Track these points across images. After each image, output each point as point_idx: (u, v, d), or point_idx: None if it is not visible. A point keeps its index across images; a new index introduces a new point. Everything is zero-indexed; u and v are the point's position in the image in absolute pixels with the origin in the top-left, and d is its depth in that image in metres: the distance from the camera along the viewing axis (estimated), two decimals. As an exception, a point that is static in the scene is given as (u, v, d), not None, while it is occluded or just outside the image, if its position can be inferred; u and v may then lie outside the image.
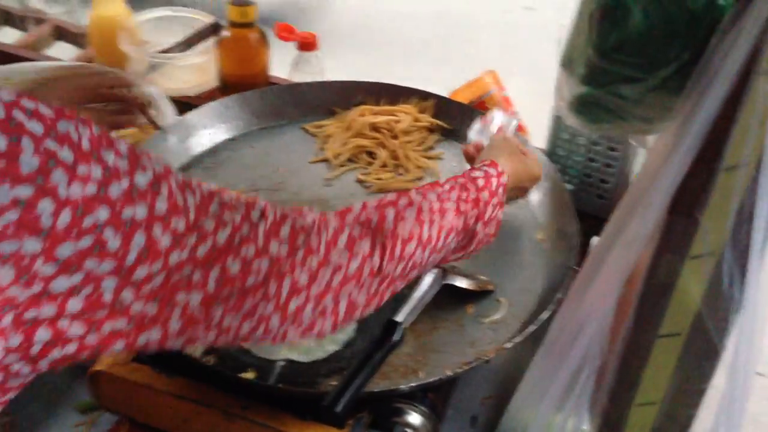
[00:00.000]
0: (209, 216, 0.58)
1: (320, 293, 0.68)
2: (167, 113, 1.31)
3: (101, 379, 0.94)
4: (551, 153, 1.31)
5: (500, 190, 0.95)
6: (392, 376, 0.96)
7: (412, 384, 0.92)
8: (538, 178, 1.10)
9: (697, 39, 0.45)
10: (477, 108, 1.35)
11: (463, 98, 1.37)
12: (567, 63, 0.50)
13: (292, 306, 0.66)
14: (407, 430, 0.92)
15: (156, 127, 1.27)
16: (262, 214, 0.64)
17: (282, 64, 1.53)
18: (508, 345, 0.95)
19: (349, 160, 1.31)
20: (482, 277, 1.09)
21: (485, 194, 0.91)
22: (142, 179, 0.52)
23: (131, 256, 0.51)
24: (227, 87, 1.47)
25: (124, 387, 0.93)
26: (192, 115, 1.29)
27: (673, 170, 0.41)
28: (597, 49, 0.45)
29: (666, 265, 0.46)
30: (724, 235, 0.44)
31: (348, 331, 1.00)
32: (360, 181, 1.27)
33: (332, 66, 1.54)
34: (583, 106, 0.50)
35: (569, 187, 1.31)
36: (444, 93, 1.40)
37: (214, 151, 1.30)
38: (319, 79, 1.47)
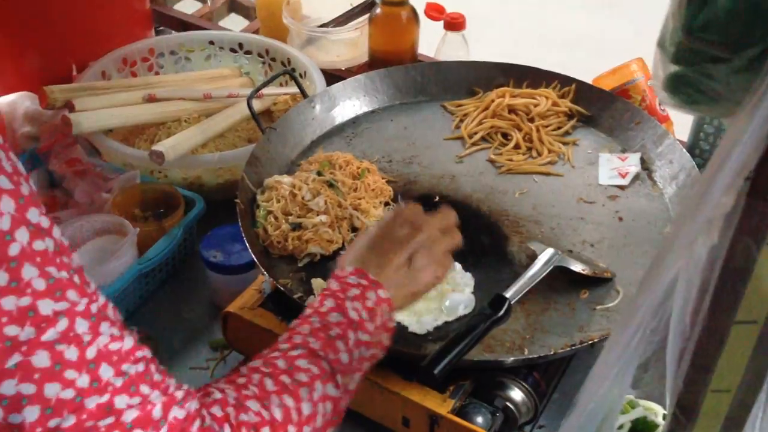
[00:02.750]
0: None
1: None
2: (318, 83, 1.40)
3: (230, 319, 1.03)
4: (693, 146, 1.26)
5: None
6: (497, 349, 0.98)
7: (515, 358, 0.94)
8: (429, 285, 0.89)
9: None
10: (620, 95, 1.33)
11: (606, 85, 1.35)
12: (661, 42, 0.50)
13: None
14: (507, 403, 0.94)
15: (305, 95, 1.36)
16: None
17: (429, 42, 1.57)
18: (616, 332, 0.95)
19: (483, 139, 1.33)
20: (601, 265, 1.08)
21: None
22: (46, 307, 0.53)
23: None
24: (376, 62, 1.54)
25: (248, 328, 1.02)
26: (338, 87, 1.36)
27: (753, 151, 0.41)
28: (684, 28, 0.45)
29: (743, 249, 0.45)
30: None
31: (463, 307, 1.03)
32: (491, 161, 1.29)
33: (477, 47, 1.56)
34: (675, 85, 0.49)
35: (711, 183, 1.25)
36: (587, 79, 1.38)
37: (355, 122, 1.36)
38: (463, 59, 1.50)
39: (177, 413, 0.59)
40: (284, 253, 1.11)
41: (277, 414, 0.67)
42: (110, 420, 0.55)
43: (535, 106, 1.33)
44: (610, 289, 1.06)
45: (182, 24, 1.74)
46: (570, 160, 1.28)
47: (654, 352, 0.57)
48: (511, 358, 0.95)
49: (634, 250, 1.12)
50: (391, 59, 1.50)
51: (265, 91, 1.37)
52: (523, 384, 0.95)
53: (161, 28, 1.79)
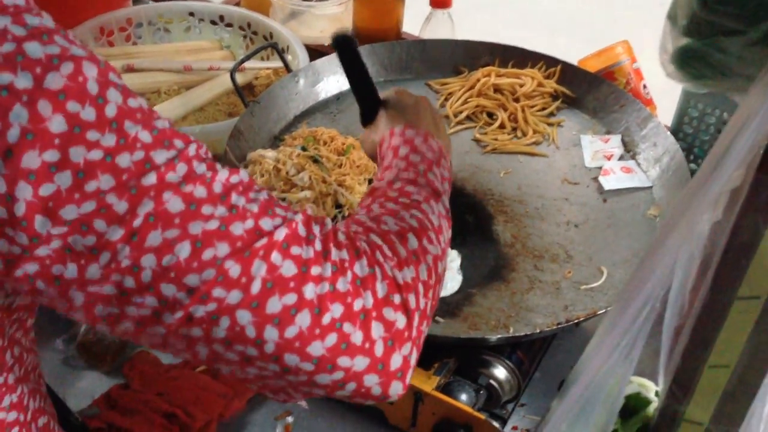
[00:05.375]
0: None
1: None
2: (301, 58, 1.38)
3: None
4: (677, 130, 1.27)
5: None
6: (482, 327, 0.98)
7: (500, 336, 0.94)
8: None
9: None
10: (605, 77, 1.33)
11: (592, 67, 1.35)
12: (672, 15, 0.49)
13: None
14: (491, 381, 0.94)
15: (288, 69, 1.33)
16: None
17: (414, 20, 1.55)
18: (600, 312, 0.95)
19: (468, 118, 1.32)
20: None
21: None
22: (160, 156, 0.52)
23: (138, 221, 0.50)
24: (360, 38, 1.52)
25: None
26: (322, 62, 1.34)
27: (763, 127, 0.41)
28: (699, -1, 0.44)
29: (750, 224, 0.45)
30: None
31: (450, 285, 1.03)
32: (476, 140, 1.29)
33: (463, 27, 1.55)
34: (684, 59, 0.49)
35: (693, 166, 1.26)
36: (573, 61, 1.38)
37: (338, 98, 1.35)
38: (448, 37, 1.49)
39: (316, 229, 0.58)
40: (268, 228, 1.09)
41: (414, 222, 0.66)
42: (263, 241, 0.54)
43: (521, 86, 1.33)
44: (593, 268, 1.06)
45: (161, -6, 1.70)
46: (555, 141, 1.28)
47: (628, 323, 0.57)
48: (496, 336, 0.95)
49: (617, 231, 1.12)
50: (376, 36, 1.48)
51: (247, 64, 1.34)
52: (507, 362, 0.95)
53: (140, -3, 1.74)
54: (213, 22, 1.56)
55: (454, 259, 1.05)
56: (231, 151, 1.14)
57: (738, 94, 0.51)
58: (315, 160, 1.13)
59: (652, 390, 0.76)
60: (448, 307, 1.00)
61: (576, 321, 0.95)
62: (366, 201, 0.73)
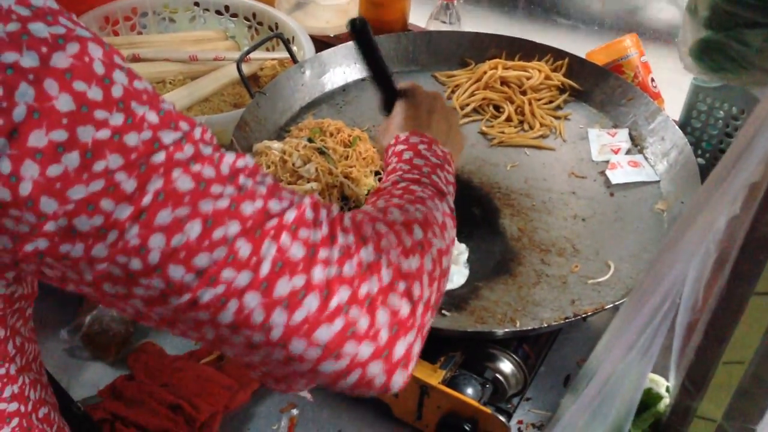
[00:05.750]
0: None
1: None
2: (306, 49, 1.37)
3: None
4: (685, 124, 1.26)
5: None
6: (489, 321, 0.98)
7: (507, 330, 0.94)
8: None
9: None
10: (613, 71, 1.32)
11: (599, 60, 1.34)
12: (692, 7, 0.49)
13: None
14: (497, 375, 0.94)
15: (294, 60, 1.33)
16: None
17: (420, 11, 1.54)
18: (608, 307, 0.95)
19: (475, 111, 1.31)
20: None
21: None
22: (168, 136, 0.51)
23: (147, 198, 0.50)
24: (365, 30, 1.51)
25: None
26: (328, 53, 1.33)
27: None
28: (722, -11, 0.44)
29: (769, 219, 0.45)
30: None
31: (457, 278, 1.02)
32: (483, 133, 1.28)
33: (470, 18, 1.54)
34: (704, 51, 0.48)
35: (700, 161, 1.26)
36: (581, 54, 1.37)
37: (344, 89, 1.34)
38: (455, 29, 1.48)
39: (323, 214, 0.58)
40: (273, 219, 1.09)
41: (419, 215, 0.66)
42: (274, 222, 0.53)
43: (528, 79, 1.32)
44: (600, 262, 1.06)
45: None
46: (562, 135, 1.27)
47: (645, 320, 0.56)
48: (503, 330, 0.95)
49: (624, 225, 1.12)
50: (382, 27, 1.47)
51: (252, 55, 1.33)
52: (513, 356, 0.95)
53: (144, -13, 1.73)
54: (218, 12, 1.56)
55: (461, 252, 1.04)
56: (237, 142, 1.14)
57: (758, 88, 0.50)
58: (321, 152, 1.13)
59: (663, 385, 0.75)
60: (455, 301, 1.00)
61: (583, 315, 0.95)
62: (371, 199, 0.73)
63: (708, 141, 1.26)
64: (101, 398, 0.96)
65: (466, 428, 0.89)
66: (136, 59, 1.36)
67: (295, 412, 0.98)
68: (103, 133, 0.48)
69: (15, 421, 0.64)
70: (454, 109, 0.90)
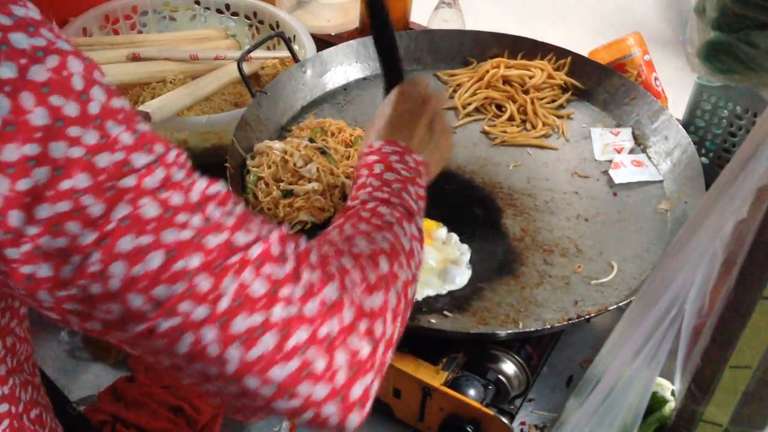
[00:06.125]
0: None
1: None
2: (308, 48, 1.36)
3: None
4: (689, 123, 1.26)
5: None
6: (491, 322, 0.97)
7: (509, 332, 0.93)
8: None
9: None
10: (616, 69, 1.31)
11: (602, 59, 1.33)
12: (700, 8, 0.48)
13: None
14: (500, 376, 0.93)
15: (295, 59, 1.32)
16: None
17: (423, 10, 1.54)
18: (612, 308, 0.94)
19: (477, 110, 1.31)
20: None
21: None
22: (140, 159, 0.50)
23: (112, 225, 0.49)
24: (367, 28, 1.50)
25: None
26: (330, 52, 1.33)
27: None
28: (731, -10, 0.43)
29: (777, 223, 0.44)
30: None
31: (459, 279, 1.02)
32: (485, 132, 1.27)
33: (472, 16, 1.54)
34: (712, 53, 0.48)
35: (704, 160, 1.25)
36: (583, 52, 1.36)
37: (346, 88, 1.33)
38: (457, 27, 1.47)
39: (290, 248, 0.57)
40: (274, 220, 1.08)
41: (386, 245, 0.66)
42: (237, 257, 0.53)
43: (530, 78, 1.32)
44: (604, 264, 1.05)
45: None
46: (564, 134, 1.27)
47: (653, 326, 0.56)
48: (506, 332, 0.94)
49: (628, 225, 1.11)
50: (383, 26, 1.46)
51: (253, 54, 1.33)
52: (516, 357, 0.94)
53: (144, -15, 1.73)
54: (219, 11, 1.55)
55: (464, 253, 1.04)
56: (238, 141, 1.13)
57: (765, 90, 0.49)
58: (323, 152, 1.12)
59: (668, 389, 0.75)
60: (457, 302, 0.99)
61: (587, 317, 0.94)
62: (338, 221, 0.72)
63: (712, 140, 1.25)
64: (98, 398, 0.96)
65: (469, 430, 0.88)
66: (136, 58, 1.35)
67: (296, 413, 0.97)
68: (76, 151, 0.48)
69: (5, 423, 0.63)
70: (448, 113, 0.88)
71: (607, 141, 1.25)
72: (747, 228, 0.47)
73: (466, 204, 1.13)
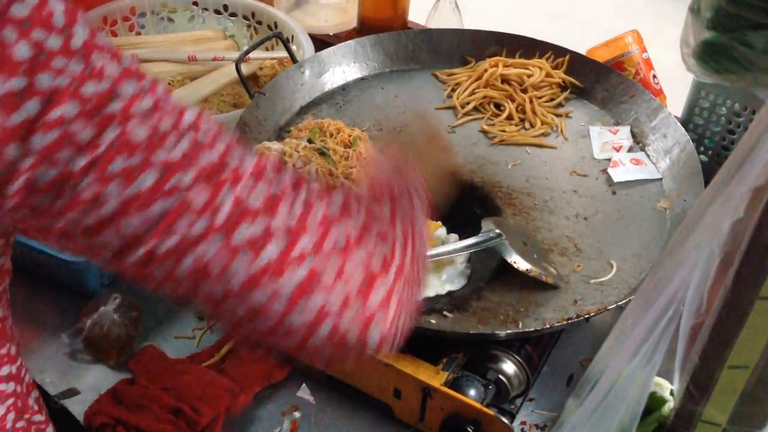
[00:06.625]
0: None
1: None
2: (306, 48, 1.36)
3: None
4: (687, 121, 1.25)
5: None
6: (491, 322, 0.97)
7: (509, 332, 0.93)
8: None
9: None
10: (614, 68, 1.31)
11: (600, 57, 1.33)
12: (695, 8, 0.48)
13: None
14: (500, 376, 0.93)
15: (293, 60, 1.32)
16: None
17: (420, 9, 1.54)
18: (611, 307, 0.94)
19: (476, 109, 1.31)
20: (551, 269, 1.02)
21: None
22: (127, 87, 0.50)
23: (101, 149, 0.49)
24: (365, 28, 1.50)
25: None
26: (328, 52, 1.33)
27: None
28: (727, -9, 0.43)
29: (774, 223, 0.44)
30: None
31: (458, 280, 1.02)
32: (484, 132, 1.27)
33: (470, 15, 1.54)
34: (707, 53, 0.48)
35: (703, 158, 1.25)
36: (582, 51, 1.36)
37: (344, 89, 1.33)
38: (455, 26, 1.47)
39: (289, 172, 0.56)
40: (274, 221, 1.08)
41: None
42: (230, 171, 0.52)
43: (529, 76, 1.32)
44: (603, 263, 1.05)
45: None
46: (563, 133, 1.27)
47: (650, 325, 0.56)
48: (505, 332, 0.94)
49: (627, 224, 1.11)
50: (381, 25, 1.47)
51: (251, 54, 1.33)
52: (516, 357, 0.94)
53: (142, -13, 1.72)
54: (217, 12, 1.55)
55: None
56: (236, 143, 1.13)
57: (762, 90, 0.49)
58: (321, 153, 1.12)
59: (667, 389, 0.75)
60: (457, 302, 0.99)
61: (586, 316, 0.94)
62: None
63: (710, 138, 1.25)
64: (78, 392, 0.97)
65: (469, 430, 0.88)
66: (135, 60, 1.35)
67: (297, 414, 0.97)
68: (61, 80, 0.48)
69: (10, 401, 0.64)
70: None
71: (605, 139, 1.25)
72: (744, 228, 0.47)
73: (465, 203, 1.13)
